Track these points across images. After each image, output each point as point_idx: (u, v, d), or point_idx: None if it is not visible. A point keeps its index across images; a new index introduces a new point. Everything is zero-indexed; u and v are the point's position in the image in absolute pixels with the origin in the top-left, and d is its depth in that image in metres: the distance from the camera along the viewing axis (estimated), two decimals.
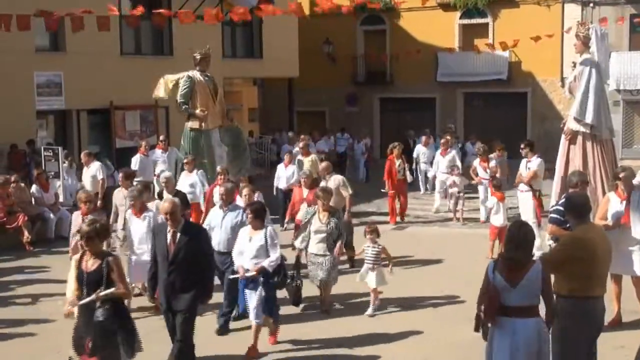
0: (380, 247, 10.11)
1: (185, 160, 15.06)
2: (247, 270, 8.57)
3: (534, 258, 12.43)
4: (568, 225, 8.31)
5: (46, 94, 20.12)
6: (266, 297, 8.55)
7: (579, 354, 6.47)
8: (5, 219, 14.72)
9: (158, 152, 17.47)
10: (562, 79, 27.14)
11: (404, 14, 30.68)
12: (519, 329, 5.99)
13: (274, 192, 16.42)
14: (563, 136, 11.91)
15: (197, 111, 16.18)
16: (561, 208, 8.53)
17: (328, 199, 10.18)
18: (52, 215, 15.47)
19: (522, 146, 13.64)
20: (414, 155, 21.16)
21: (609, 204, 9.03)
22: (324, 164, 13.28)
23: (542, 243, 12.69)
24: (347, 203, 12.53)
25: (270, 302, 8.67)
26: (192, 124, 16.40)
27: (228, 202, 9.82)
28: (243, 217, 9.47)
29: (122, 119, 22.19)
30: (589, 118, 11.48)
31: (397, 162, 16.75)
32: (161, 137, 18.56)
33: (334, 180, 12.46)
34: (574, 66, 11.97)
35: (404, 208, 17.25)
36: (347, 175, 25.06)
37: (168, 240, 7.82)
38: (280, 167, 16.70)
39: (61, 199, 16.25)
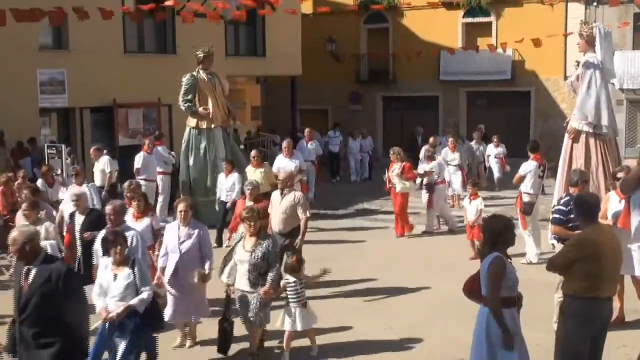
0: (303, 283, 8.53)
1: (73, 172, 13.47)
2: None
3: (525, 260, 12.53)
4: (571, 225, 8.33)
5: (49, 92, 20.14)
6: (138, 344, 7.23)
7: (577, 353, 6.46)
8: (8, 216, 14.76)
9: (159, 149, 17.50)
10: (566, 78, 27.07)
11: (407, 12, 30.69)
12: (479, 314, 6.35)
13: (216, 205, 14.99)
14: (567, 135, 11.90)
15: (201, 109, 16.18)
16: (563, 208, 8.55)
17: (255, 221, 8.30)
18: (55, 213, 15.49)
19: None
20: (420, 157, 19.52)
21: (609, 203, 9.04)
22: (283, 174, 11.25)
23: (537, 239, 12.70)
24: (302, 227, 10.64)
25: (149, 352, 7.42)
26: (195, 123, 16.40)
27: (117, 223, 8.35)
28: (134, 241, 8.15)
29: (125, 117, 22.20)
30: (592, 117, 11.47)
31: (392, 169, 15.29)
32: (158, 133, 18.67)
33: (293, 197, 10.61)
34: (578, 65, 11.93)
35: (401, 223, 15.32)
36: (342, 175, 25.21)
37: (22, 281, 6.16)
38: (221, 177, 15.03)
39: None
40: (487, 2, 29.33)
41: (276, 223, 10.54)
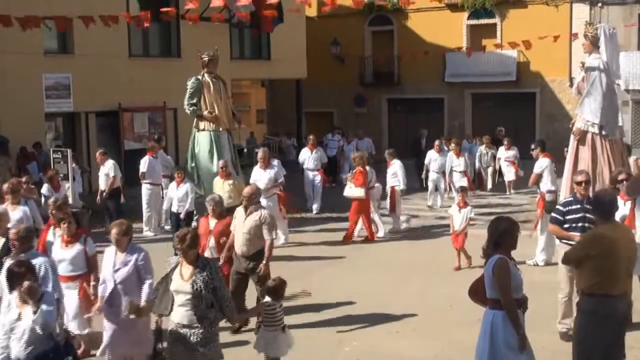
0: (281, 306, 7.77)
1: (6, 188, 10.90)
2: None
3: (531, 261, 12.47)
4: (567, 225, 8.35)
5: (55, 96, 20.20)
6: None
7: (592, 351, 6.46)
8: None
9: (162, 153, 17.51)
10: (571, 79, 27.07)
11: (411, 14, 30.71)
12: (484, 317, 6.36)
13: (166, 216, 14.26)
14: (572, 136, 11.87)
15: (205, 112, 16.18)
16: (561, 208, 8.57)
17: (186, 251, 6.81)
18: None
19: (532, 147, 13.57)
20: (425, 162, 19.49)
21: None
22: (247, 189, 9.83)
23: (549, 244, 12.63)
24: (267, 250, 9.42)
25: None
26: (202, 126, 16.40)
27: (22, 249, 7.30)
28: (42, 270, 7.21)
29: (130, 121, 22.26)
30: (597, 118, 11.43)
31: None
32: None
33: (258, 216, 9.47)
34: (582, 66, 11.88)
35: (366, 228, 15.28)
36: (338, 180, 24.67)
37: None
38: (172, 187, 14.26)
39: (70, 201, 16.32)
40: (491, 4, 29.33)
41: (239, 244, 9.51)
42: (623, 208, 8.94)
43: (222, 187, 13.32)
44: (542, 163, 12.96)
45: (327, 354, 8.80)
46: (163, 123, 23.04)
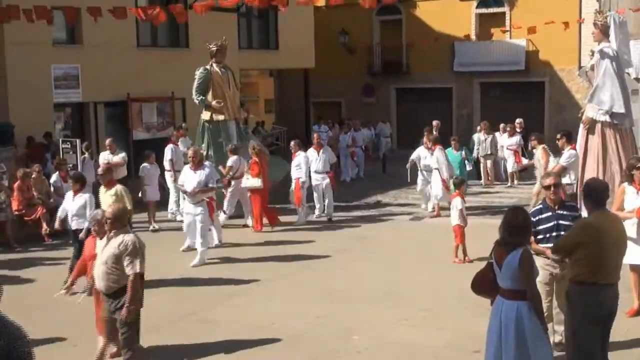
0: None
1: None
2: None
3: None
4: (539, 236, 8.13)
5: (63, 86, 20.24)
6: None
7: (586, 342, 6.44)
8: (24, 211, 14.90)
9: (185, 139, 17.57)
10: (580, 68, 26.94)
11: (419, 3, 30.61)
12: (504, 309, 6.22)
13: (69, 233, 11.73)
14: (581, 125, 11.83)
15: (214, 102, 16.22)
16: (531, 217, 8.33)
17: None
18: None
19: (557, 137, 12.70)
20: (412, 157, 17.21)
21: (625, 195, 8.96)
22: (109, 210, 7.62)
23: None
24: (129, 288, 7.15)
25: None
26: (209, 116, 16.44)
27: None
28: None
29: (138, 111, 22.30)
30: (607, 106, 11.40)
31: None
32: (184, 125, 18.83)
33: (117, 243, 7.25)
34: (592, 54, 11.85)
35: (259, 219, 15.30)
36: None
37: None
38: (68, 196, 11.48)
39: None
40: None
41: (98, 278, 7.43)
42: (635, 197, 8.87)
43: (104, 197, 11.17)
44: (571, 155, 12.18)
45: (336, 343, 8.80)
46: (171, 113, 23.07)
